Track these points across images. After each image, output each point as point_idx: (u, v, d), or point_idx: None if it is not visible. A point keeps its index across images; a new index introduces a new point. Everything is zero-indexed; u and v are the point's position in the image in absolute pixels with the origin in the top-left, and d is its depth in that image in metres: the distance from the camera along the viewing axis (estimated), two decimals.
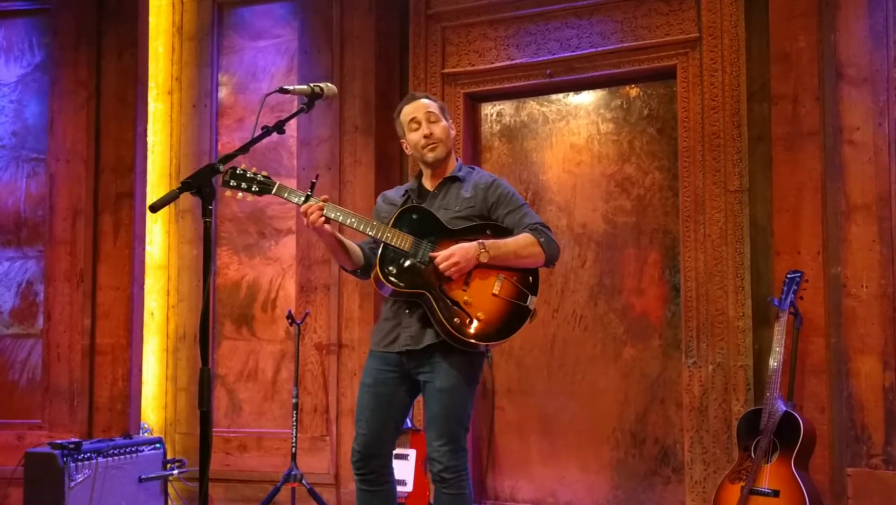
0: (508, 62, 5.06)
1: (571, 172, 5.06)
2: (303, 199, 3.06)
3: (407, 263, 3.09)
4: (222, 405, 5.44)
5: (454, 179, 3.29)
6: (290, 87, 2.95)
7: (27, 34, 5.62)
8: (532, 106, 5.20)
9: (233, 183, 3.05)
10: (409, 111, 3.29)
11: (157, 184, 5.50)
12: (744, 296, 4.41)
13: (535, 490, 5.00)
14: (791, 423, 3.88)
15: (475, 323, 3.07)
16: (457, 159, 3.37)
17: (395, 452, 4.37)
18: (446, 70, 5.18)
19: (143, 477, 4.59)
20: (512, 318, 3.13)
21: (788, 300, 4.03)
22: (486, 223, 3.21)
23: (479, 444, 5.13)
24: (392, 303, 3.22)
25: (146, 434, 5.24)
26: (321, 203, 3.06)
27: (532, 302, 3.16)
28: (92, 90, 5.44)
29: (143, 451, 4.64)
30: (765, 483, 3.85)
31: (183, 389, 5.48)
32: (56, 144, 5.44)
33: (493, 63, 5.10)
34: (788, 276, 4.10)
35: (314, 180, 3.13)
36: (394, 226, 3.11)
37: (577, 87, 5.05)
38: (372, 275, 3.16)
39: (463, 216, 3.20)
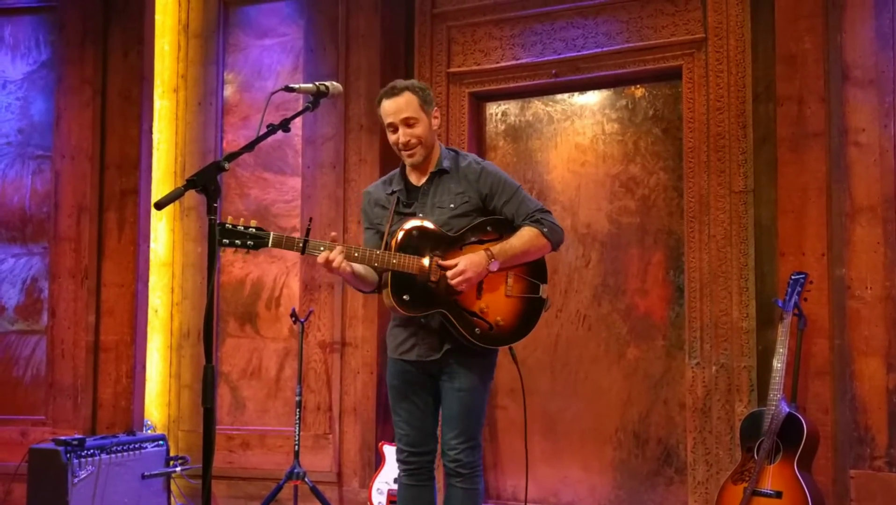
0: (514, 62, 5.06)
1: (576, 172, 5.06)
2: (301, 245, 2.96)
3: (418, 286, 3.08)
4: (226, 403, 5.45)
5: (442, 172, 3.23)
6: (296, 86, 2.94)
7: (33, 31, 5.64)
8: (537, 106, 5.20)
9: (224, 241, 2.88)
10: (386, 110, 3.18)
11: (161, 181, 5.51)
12: (748, 297, 4.41)
13: (537, 490, 4.99)
14: (794, 424, 3.88)
15: (495, 328, 3.14)
16: (440, 146, 3.30)
17: None
18: (452, 69, 5.18)
19: (146, 474, 4.60)
20: (529, 313, 3.21)
21: (792, 301, 4.03)
22: (486, 220, 3.20)
23: (481, 443, 5.12)
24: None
25: (149, 431, 5.25)
26: (341, 248, 2.99)
27: (544, 291, 3.21)
28: (98, 88, 5.46)
29: (146, 448, 4.64)
30: (768, 484, 3.85)
31: (186, 386, 5.49)
32: (61, 141, 5.45)
33: (498, 62, 5.10)
34: (793, 277, 4.09)
35: (309, 225, 2.97)
36: (398, 249, 3.08)
37: (583, 87, 5.04)
38: (384, 300, 3.16)
39: (460, 213, 3.17)
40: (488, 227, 3.19)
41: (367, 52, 5.25)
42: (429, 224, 3.14)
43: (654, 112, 4.91)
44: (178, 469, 4.81)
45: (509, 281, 3.17)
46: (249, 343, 5.46)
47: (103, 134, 5.45)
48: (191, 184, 2.55)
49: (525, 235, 3.17)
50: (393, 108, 3.17)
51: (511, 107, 5.25)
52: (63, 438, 4.37)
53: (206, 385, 2.48)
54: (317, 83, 2.97)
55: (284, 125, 2.83)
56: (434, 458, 3.30)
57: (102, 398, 5.32)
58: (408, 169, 3.28)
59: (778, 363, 3.96)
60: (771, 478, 3.85)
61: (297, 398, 4.90)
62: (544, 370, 5.02)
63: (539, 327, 4.99)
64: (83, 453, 4.31)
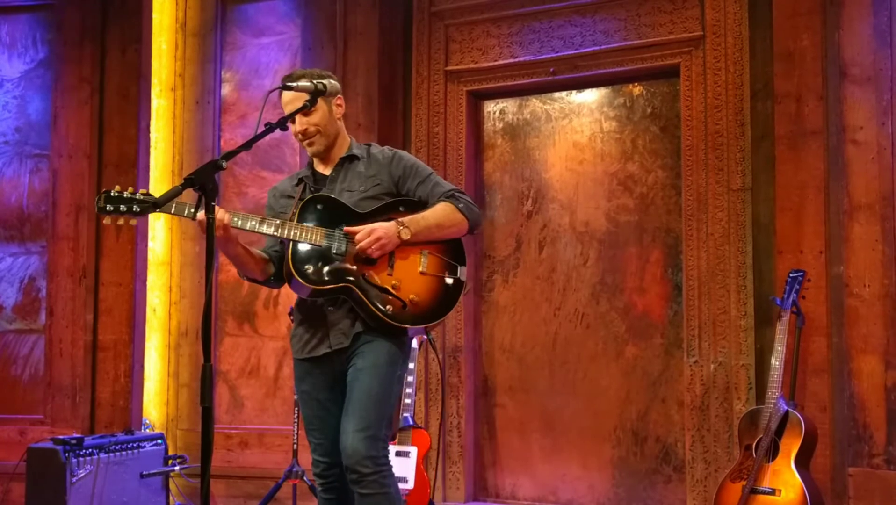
0: (511, 60, 5.06)
1: (574, 171, 5.06)
2: (193, 210, 2.79)
3: (323, 258, 2.88)
4: (224, 402, 5.45)
5: (351, 159, 3.07)
6: (294, 84, 2.94)
7: (31, 30, 5.63)
8: (535, 104, 5.19)
9: (108, 208, 2.69)
10: (283, 101, 3.03)
11: (159, 180, 5.51)
12: (746, 295, 4.41)
13: (536, 488, 5.00)
14: (792, 422, 3.88)
15: (409, 306, 2.91)
16: (350, 138, 3.15)
17: (396, 449, 4.39)
18: (449, 67, 5.18)
19: (144, 473, 4.59)
20: (446, 293, 2.97)
21: (790, 299, 4.03)
22: (398, 200, 3.02)
23: (480, 441, 5.13)
24: (308, 305, 3.02)
25: (148, 430, 5.24)
26: (236, 212, 2.86)
27: (462, 273, 3.00)
28: (95, 86, 5.45)
29: (144, 447, 4.64)
30: (766, 482, 3.85)
31: (185, 385, 5.49)
32: (59, 140, 5.45)
33: (496, 61, 5.10)
34: (791, 275, 4.09)
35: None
36: (299, 221, 2.89)
37: (581, 85, 5.04)
38: (285, 276, 2.96)
39: (371, 196, 3.00)
40: (401, 208, 3.00)
41: (365, 50, 5.24)
42: (335, 196, 2.97)
43: (652, 110, 4.91)
44: (177, 468, 4.80)
45: (424, 258, 2.95)
46: (248, 342, 5.45)
47: (101, 133, 5.45)
48: (189, 183, 2.53)
49: (438, 209, 2.97)
50: (289, 97, 3.00)
51: (509, 105, 5.25)
52: (61, 437, 4.36)
53: (204, 384, 2.47)
54: (314, 81, 2.97)
55: (282, 123, 2.82)
56: None
57: (101, 397, 5.32)
58: (315, 161, 3.13)
59: (776, 361, 3.96)
60: (769, 476, 3.85)
61: (296, 397, 4.90)
62: (543, 368, 5.02)
63: (537, 325, 5.05)
64: (82, 453, 4.31)
